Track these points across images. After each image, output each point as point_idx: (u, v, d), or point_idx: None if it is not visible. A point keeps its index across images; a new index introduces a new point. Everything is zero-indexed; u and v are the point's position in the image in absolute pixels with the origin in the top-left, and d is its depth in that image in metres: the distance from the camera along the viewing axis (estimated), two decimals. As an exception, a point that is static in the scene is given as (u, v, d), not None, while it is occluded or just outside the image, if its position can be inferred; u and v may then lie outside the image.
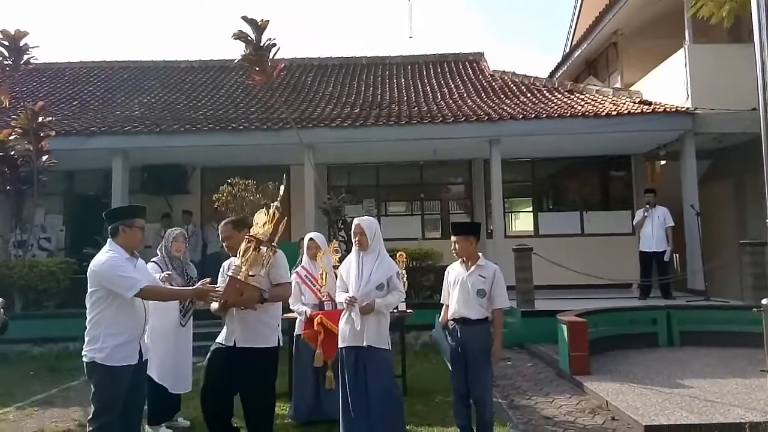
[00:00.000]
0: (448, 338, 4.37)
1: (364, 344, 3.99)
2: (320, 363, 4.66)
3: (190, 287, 4.27)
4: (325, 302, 5.03)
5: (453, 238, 4.38)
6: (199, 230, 11.97)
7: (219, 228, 4.21)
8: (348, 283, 4.14)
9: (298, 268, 5.50)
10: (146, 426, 4.77)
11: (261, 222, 3.96)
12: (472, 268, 4.31)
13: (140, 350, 3.69)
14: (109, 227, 3.74)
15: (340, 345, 4.14)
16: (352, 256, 4.23)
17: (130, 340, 3.61)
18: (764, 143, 5.76)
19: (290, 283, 4.15)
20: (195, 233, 11.78)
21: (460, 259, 4.40)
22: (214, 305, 3.90)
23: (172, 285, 4.64)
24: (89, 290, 3.65)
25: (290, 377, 5.84)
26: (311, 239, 5.48)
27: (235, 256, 3.98)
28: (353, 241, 4.21)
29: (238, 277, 3.76)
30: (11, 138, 9.63)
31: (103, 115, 12.07)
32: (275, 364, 4.08)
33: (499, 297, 4.28)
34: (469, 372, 4.19)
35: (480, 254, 4.40)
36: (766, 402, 4.95)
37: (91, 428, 3.57)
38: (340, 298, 4.15)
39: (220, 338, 4.08)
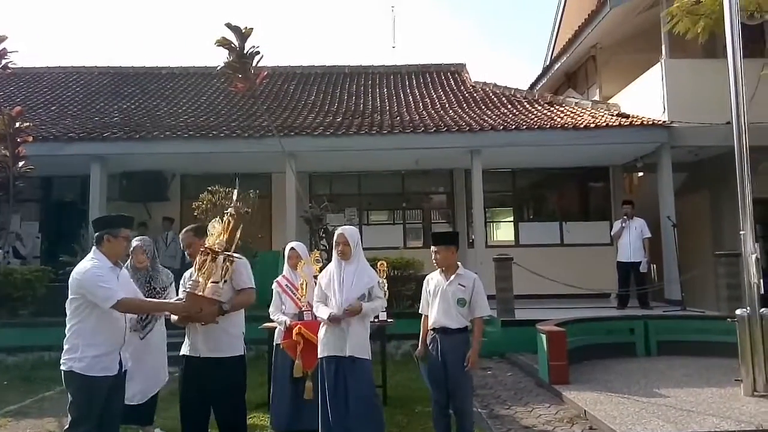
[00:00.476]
0: (429, 347, 4.37)
1: (347, 354, 3.98)
2: (299, 373, 4.63)
3: (169, 301, 4.12)
4: (305, 312, 5.00)
5: (433, 248, 4.38)
6: (178, 237, 11.82)
7: (180, 235, 4.12)
8: (329, 294, 4.12)
9: (279, 278, 5.47)
10: None
11: (216, 232, 3.88)
12: (452, 277, 4.32)
13: (120, 361, 3.63)
14: (95, 235, 3.70)
15: (320, 355, 4.12)
16: (333, 266, 4.22)
17: (110, 351, 3.56)
18: (737, 157, 5.92)
19: (253, 288, 4.00)
20: (174, 240, 11.64)
21: (439, 269, 4.41)
22: (174, 317, 3.88)
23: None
24: (70, 297, 3.59)
25: (269, 387, 5.81)
26: (292, 248, 5.46)
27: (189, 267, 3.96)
28: (335, 250, 4.20)
29: (197, 292, 3.69)
30: (-14, 143, 9.46)
31: (81, 121, 11.93)
32: (243, 372, 4.02)
33: (480, 306, 4.30)
34: (450, 382, 4.19)
35: (459, 263, 4.42)
36: (740, 411, 5.03)
37: None
38: (321, 311, 4.14)
39: (184, 349, 3.99)
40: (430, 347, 4.33)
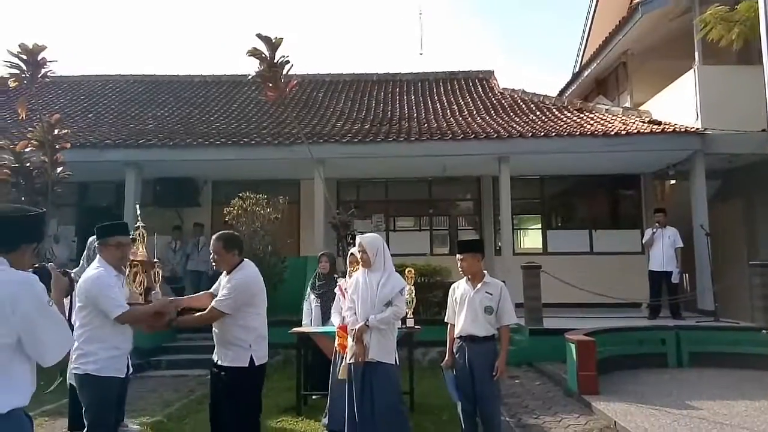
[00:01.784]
0: (456, 356, 4.37)
1: (369, 358, 4.02)
2: (344, 375, 4.61)
3: (151, 304, 3.97)
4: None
5: (459, 256, 4.38)
6: (209, 242, 12.03)
7: (211, 242, 4.19)
8: (362, 303, 4.15)
9: (341, 281, 5.55)
10: None
11: (138, 247, 4.09)
12: (479, 285, 4.33)
13: (128, 364, 3.74)
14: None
15: (348, 361, 4.15)
16: (359, 274, 4.26)
17: (122, 353, 3.67)
18: (774, 165, 5.80)
19: (221, 311, 3.87)
20: (206, 245, 11.87)
21: (465, 277, 4.42)
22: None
23: None
24: (78, 305, 3.66)
25: (298, 391, 5.91)
26: (351, 253, 5.40)
27: (221, 270, 4.11)
28: (359, 259, 4.26)
29: (139, 301, 3.86)
30: (27, 150, 9.78)
31: (117, 128, 12.26)
32: (249, 384, 3.93)
33: (507, 314, 4.30)
34: (477, 390, 4.20)
35: (485, 271, 4.42)
36: (775, 425, 4.92)
37: None
38: (345, 318, 4.22)
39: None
40: (457, 356, 4.33)
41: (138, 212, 4.40)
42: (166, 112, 13.87)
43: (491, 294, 4.29)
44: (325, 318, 6.27)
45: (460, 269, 4.41)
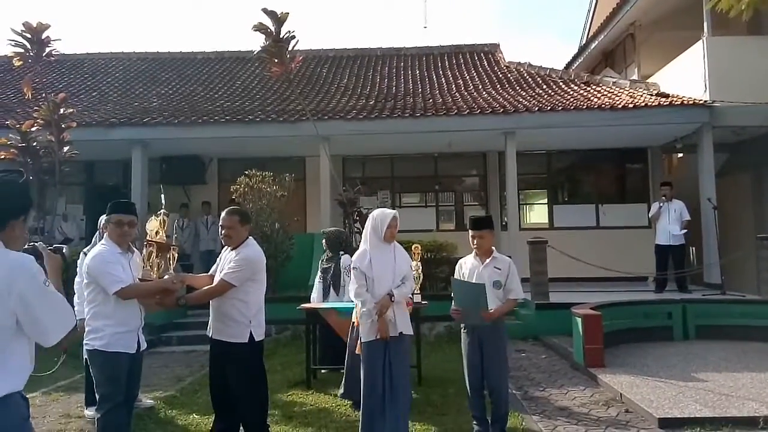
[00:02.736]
0: (464, 331, 4.40)
1: (397, 332, 4.02)
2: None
3: (156, 280, 4.01)
4: None
5: (472, 233, 4.37)
6: (218, 220, 12.10)
7: (222, 216, 4.22)
8: (380, 278, 4.03)
9: (344, 258, 5.68)
10: (86, 408, 5.07)
11: (153, 228, 4.10)
12: (487, 260, 4.35)
13: (138, 341, 3.82)
14: None
15: (367, 339, 4.06)
16: (372, 250, 4.11)
17: (129, 330, 3.76)
18: (783, 138, 5.75)
19: (229, 283, 3.95)
20: (215, 223, 11.94)
21: (474, 253, 4.42)
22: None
23: None
24: (84, 281, 3.83)
25: (308, 365, 6.00)
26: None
27: (230, 246, 4.12)
28: (383, 233, 4.08)
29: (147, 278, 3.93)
30: (34, 129, 9.81)
31: (122, 106, 12.25)
32: (249, 360, 4.01)
33: (514, 289, 4.34)
34: (485, 363, 4.25)
35: (493, 247, 4.45)
36: (780, 396, 4.97)
37: (99, 416, 3.68)
38: (365, 297, 4.04)
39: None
40: (465, 331, 4.38)
41: (162, 197, 4.48)
42: (170, 90, 13.83)
43: (500, 269, 4.32)
44: (325, 294, 6.30)
45: (474, 246, 4.39)
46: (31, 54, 10.49)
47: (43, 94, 10.95)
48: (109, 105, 12.49)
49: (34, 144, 9.90)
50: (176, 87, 14.09)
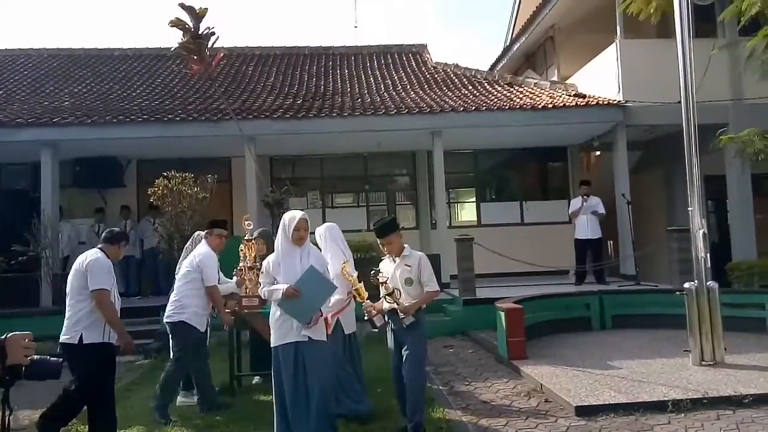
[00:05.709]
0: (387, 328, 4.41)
1: (304, 336, 3.94)
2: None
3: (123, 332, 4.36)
4: None
5: (383, 239, 4.41)
6: (137, 225, 11.58)
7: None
8: (286, 282, 3.94)
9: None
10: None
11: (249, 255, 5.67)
12: (398, 260, 4.40)
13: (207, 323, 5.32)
14: None
15: (276, 342, 3.98)
16: (284, 255, 4.02)
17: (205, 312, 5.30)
18: (686, 135, 6.10)
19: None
20: (134, 228, 11.42)
21: (388, 255, 4.47)
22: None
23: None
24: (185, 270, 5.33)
25: (231, 372, 5.80)
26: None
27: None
28: (290, 235, 4.00)
29: None
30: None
31: (30, 106, 11.48)
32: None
33: (428, 283, 4.35)
34: (402, 355, 4.31)
35: (406, 245, 4.46)
36: (688, 380, 5.24)
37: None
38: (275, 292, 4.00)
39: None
40: (387, 329, 4.40)
41: (247, 222, 5.72)
42: (84, 89, 13.09)
43: (409, 266, 4.35)
44: None
45: (386, 252, 4.45)
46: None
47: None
48: (17, 104, 11.67)
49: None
50: (91, 85, 13.37)
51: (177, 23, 9.14)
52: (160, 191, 8.62)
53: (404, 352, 4.29)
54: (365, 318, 4.39)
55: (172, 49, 9.90)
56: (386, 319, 4.42)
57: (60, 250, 10.27)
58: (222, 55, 10.66)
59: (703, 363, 5.74)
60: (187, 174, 8.85)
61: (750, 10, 7.37)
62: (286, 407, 3.92)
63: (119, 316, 4.30)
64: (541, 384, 5.38)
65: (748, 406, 4.61)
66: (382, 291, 4.33)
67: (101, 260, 4.24)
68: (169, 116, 10.48)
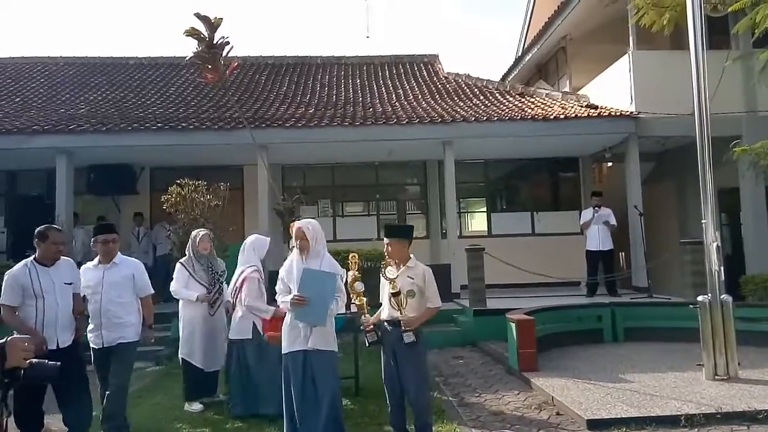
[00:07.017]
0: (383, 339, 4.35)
1: (310, 347, 3.98)
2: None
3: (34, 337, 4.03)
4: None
5: (385, 240, 4.37)
6: (150, 231, 11.68)
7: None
8: (292, 287, 4.09)
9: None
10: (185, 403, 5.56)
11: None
12: (402, 269, 4.30)
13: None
14: None
15: (285, 350, 4.07)
16: (293, 259, 4.19)
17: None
18: (699, 147, 6.06)
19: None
20: (147, 235, 11.51)
21: (392, 261, 4.34)
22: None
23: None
24: None
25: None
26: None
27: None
28: (295, 244, 4.20)
29: None
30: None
31: (46, 113, 11.65)
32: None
33: (433, 298, 4.29)
34: (401, 376, 4.19)
35: (411, 255, 4.39)
36: (701, 394, 5.18)
37: None
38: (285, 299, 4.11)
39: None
40: (384, 339, 4.30)
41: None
42: (99, 96, 13.26)
43: (413, 278, 4.25)
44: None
45: (386, 253, 4.37)
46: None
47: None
48: (33, 111, 11.85)
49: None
50: (106, 93, 13.54)
51: (192, 33, 9.23)
52: (173, 199, 8.68)
53: (402, 367, 4.18)
54: (361, 328, 4.40)
55: (187, 58, 9.99)
56: (378, 336, 4.30)
57: (73, 256, 10.35)
58: (236, 64, 10.75)
59: (716, 377, 5.68)
60: (200, 182, 8.91)
61: (764, 22, 7.36)
62: (295, 413, 3.97)
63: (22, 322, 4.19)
64: (552, 396, 5.34)
65: (763, 422, 4.54)
66: (389, 289, 4.22)
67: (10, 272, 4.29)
68: (183, 124, 10.59)
